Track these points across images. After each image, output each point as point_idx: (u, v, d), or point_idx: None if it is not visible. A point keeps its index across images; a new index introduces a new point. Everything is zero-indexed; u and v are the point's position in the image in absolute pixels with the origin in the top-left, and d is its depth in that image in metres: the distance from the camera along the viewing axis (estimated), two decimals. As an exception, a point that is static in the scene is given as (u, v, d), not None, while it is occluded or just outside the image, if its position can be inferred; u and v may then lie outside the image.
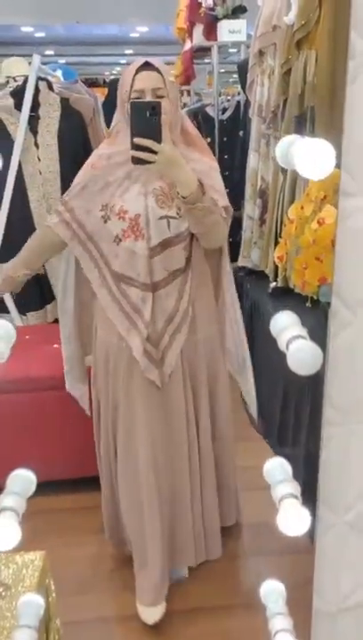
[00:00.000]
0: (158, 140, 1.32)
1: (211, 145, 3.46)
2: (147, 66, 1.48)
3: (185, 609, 1.79)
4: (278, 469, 0.89)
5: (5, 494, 0.87)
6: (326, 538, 0.88)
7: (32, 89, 2.49)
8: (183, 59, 3.87)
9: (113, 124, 1.65)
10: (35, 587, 1.26)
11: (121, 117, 1.56)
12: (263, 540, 2.01)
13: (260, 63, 2.45)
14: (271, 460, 0.91)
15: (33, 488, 0.90)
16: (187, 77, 3.98)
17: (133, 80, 1.47)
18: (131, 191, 1.56)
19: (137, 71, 1.47)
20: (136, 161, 1.34)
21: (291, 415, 2.00)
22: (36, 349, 2.27)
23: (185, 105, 4.76)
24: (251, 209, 2.63)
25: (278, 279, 2.17)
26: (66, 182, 2.22)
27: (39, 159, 2.56)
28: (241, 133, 3.40)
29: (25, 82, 2.51)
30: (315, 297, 1.82)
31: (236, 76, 3.73)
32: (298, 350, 0.76)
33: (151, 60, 1.48)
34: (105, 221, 1.58)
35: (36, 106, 2.53)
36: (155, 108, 1.31)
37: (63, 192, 1.78)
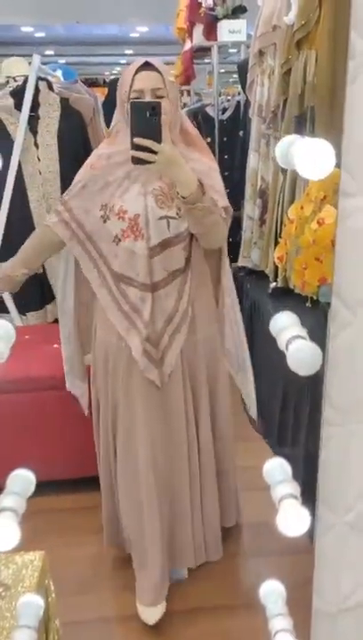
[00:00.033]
0: (158, 140, 1.32)
1: (211, 145, 3.46)
2: (146, 66, 1.48)
3: (185, 609, 1.79)
4: (277, 470, 0.89)
5: (5, 494, 0.87)
6: (326, 538, 0.88)
7: (32, 89, 2.49)
8: (183, 59, 3.88)
9: (113, 123, 1.65)
10: (34, 587, 1.26)
11: (121, 117, 1.56)
12: (263, 540, 2.01)
13: (260, 63, 2.45)
14: (271, 460, 0.91)
15: (32, 488, 0.90)
16: (187, 77, 3.98)
17: (133, 80, 1.47)
18: (130, 191, 1.55)
19: (137, 71, 1.47)
20: (136, 161, 1.34)
21: (290, 415, 2.01)
22: (36, 349, 2.27)
23: (185, 105, 4.77)
24: (251, 209, 2.63)
25: (278, 279, 2.17)
26: (66, 182, 2.22)
27: (39, 159, 2.56)
28: (241, 133, 3.40)
29: (25, 82, 2.51)
30: (315, 297, 1.82)
31: (236, 76, 3.74)
32: (298, 350, 0.76)
33: (151, 60, 1.48)
34: (104, 221, 1.58)
35: (35, 106, 2.53)
36: (155, 108, 1.31)
37: (63, 192, 1.78)
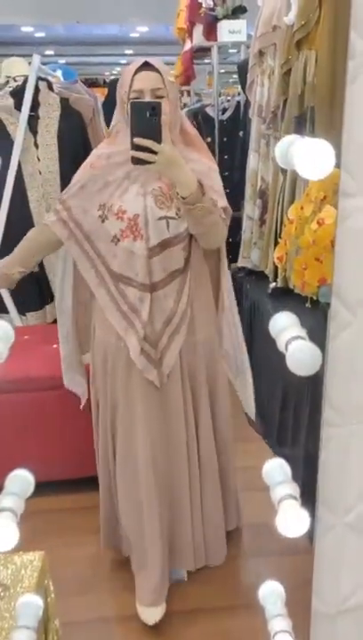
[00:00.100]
0: (158, 140, 1.32)
1: (211, 145, 3.46)
2: (146, 66, 1.48)
3: (185, 609, 1.78)
4: (277, 470, 0.89)
5: (4, 495, 0.87)
6: (326, 539, 0.88)
7: (32, 89, 2.49)
8: (183, 59, 3.88)
9: (113, 124, 1.65)
10: (33, 587, 1.25)
11: (121, 117, 1.56)
12: (263, 540, 2.00)
13: (260, 63, 2.46)
14: (271, 460, 0.90)
15: (31, 489, 0.90)
16: (187, 78, 3.98)
17: (133, 80, 1.47)
18: (130, 191, 1.55)
19: (136, 71, 1.47)
20: (136, 161, 1.34)
21: (290, 416, 2.01)
22: (36, 349, 2.27)
23: (185, 105, 4.77)
24: (251, 209, 2.64)
25: (278, 280, 2.18)
26: (65, 182, 2.21)
27: (39, 159, 2.56)
28: (241, 134, 3.40)
29: (25, 82, 2.51)
30: (315, 297, 1.82)
31: (236, 76, 3.74)
32: (297, 351, 0.76)
33: (151, 60, 1.48)
34: (102, 221, 1.57)
35: (35, 106, 2.53)
36: (155, 109, 1.31)
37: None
